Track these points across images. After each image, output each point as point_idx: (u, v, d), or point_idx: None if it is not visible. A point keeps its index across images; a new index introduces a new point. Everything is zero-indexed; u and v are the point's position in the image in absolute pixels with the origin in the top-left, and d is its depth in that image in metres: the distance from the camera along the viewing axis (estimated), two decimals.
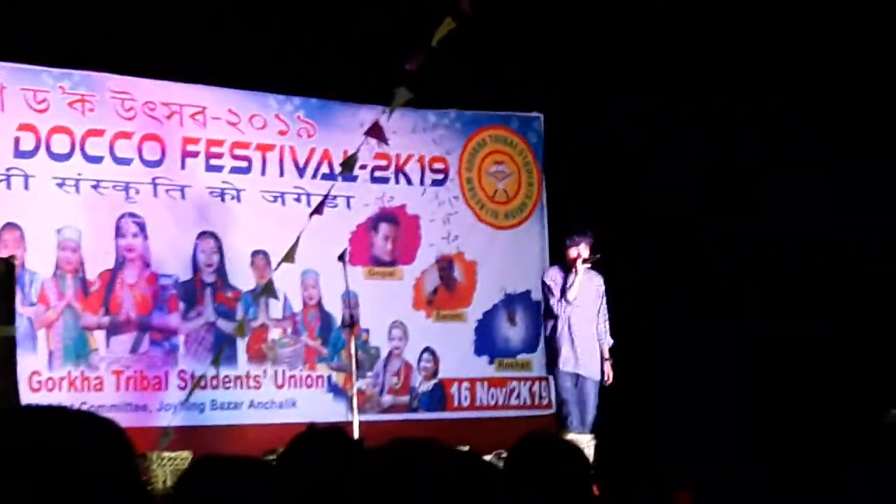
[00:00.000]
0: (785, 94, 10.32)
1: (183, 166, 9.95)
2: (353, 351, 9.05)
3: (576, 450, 3.44)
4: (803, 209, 10.42)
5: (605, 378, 9.78)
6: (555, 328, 9.87)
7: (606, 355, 9.85)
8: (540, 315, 11.01)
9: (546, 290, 9.94)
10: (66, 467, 1.93)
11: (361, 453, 3.58)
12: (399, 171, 10.87)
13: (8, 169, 9.24)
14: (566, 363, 9.79)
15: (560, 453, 3.35)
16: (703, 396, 10.67)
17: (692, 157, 10.72)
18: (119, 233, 9.68)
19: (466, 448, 3.34)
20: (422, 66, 7.34)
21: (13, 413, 2.05)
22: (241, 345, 10.00)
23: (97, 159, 9.59)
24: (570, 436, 8.89)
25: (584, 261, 9.72)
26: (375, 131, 7.80)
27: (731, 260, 10.75)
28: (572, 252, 9.78)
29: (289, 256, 8.03)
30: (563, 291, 9.77)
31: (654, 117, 10.89)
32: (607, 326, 9.93)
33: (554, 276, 9.89)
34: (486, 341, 11.11)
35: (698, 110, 10.72)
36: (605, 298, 9.95)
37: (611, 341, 9.91)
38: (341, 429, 4.06)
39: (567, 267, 9.81)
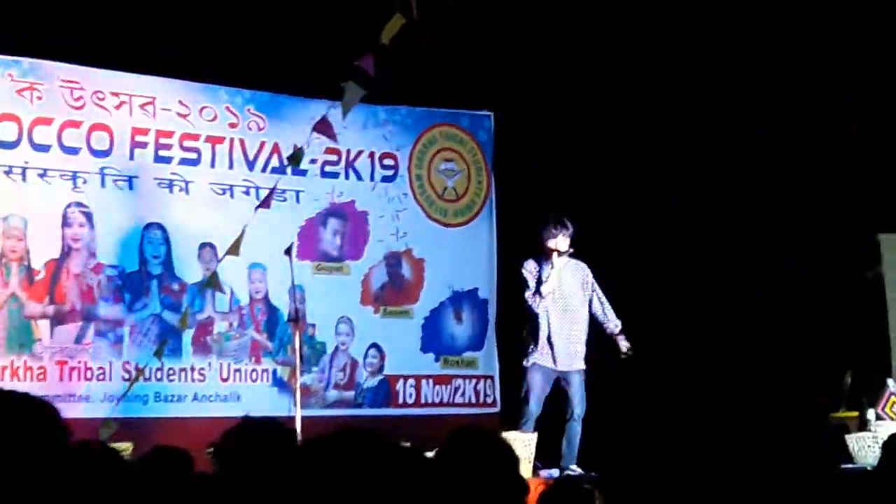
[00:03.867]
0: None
1: (131, 157, 9.90)
2: (298, 345, 9.05)
3: (504, 445, 3.47)
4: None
5: (627, 350, 9.81)
6: (533, 322, 9.87)
7: (617, 332, 9.87)
8: (487, 313, 11.07)
9: (522, 282, 9.95)
10: None
11: (295, 445, 3.59)
12: (349, 166, 10.86)
13: None
14: (541, 357, 9.80)
15: (487, 449, 3.37)
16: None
17: (642, 152, 10.78)
18: (65, 222, 9.62)
19: (408, 444, 3.37)
20: (374, 66, 7.37)
21: None
22: (187, 337, 9.97)
23: (45, 148, 9.53)
24: (513, 433, 8.92)
25: (561, 253, 9.73)
26: (323, 127, 7.82)
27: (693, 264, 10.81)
28: (549, 244, 9.79)
29: (234, 249, 8.05)
30: (538, 284, 9.78)
31: (604, 116, 10.95)
32: (607, 310, 9.94)
33: (531, 269, 9.89)
34: (433, 338, 11.13)
35: (651, 108, 10.78)
36: (595, 285, 9.94)
37: (618, 322, 9.91)
38: (276, 420, 4.07)
39: (545, 258, 9.83)
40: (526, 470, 8.43)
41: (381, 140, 11.02)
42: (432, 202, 11.24)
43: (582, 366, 9.88)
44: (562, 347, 9.80)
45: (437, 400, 11.10)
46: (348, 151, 10.80)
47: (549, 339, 9.79)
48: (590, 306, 9.97)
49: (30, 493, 2.02)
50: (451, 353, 11.18)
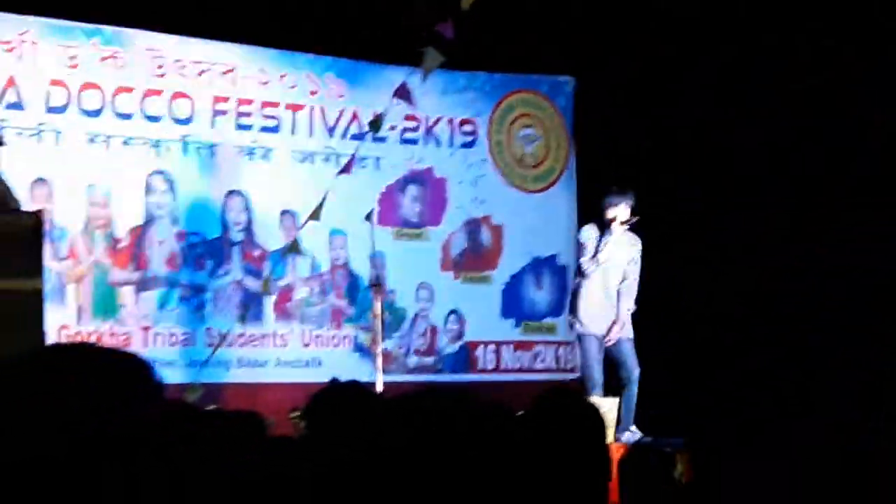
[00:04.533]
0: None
1: (212, 124, 9.97)
2: (378, 311, 9.08)
3: (593, 409, 3.46)
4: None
5: (607, 337, 9.79)
6: (581, 288, 9.90)
7: (622, 315, 9.84)
8: (566, 279, 11.03)
9: (580, 248, 9.97)
10: (89, 398, 1.97)
11: (383, 405, 3.61)
12: (428, 132, 10.87)
13: (39, 124, 9.28)
14: (592, 325, 9.82)
15: (576, 411, 3.37)
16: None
17: (718, 122, 10.67)
18: (148, 189, 9.72)
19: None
20: (456, 31, 7.35)
21: (40, 351, 2.09)
22: (269, 303, 10.04)
23: (127, 116, 9.62)
24: (595, 398, 8.93)
25: (623, 223, 9.73)
26: (403, 93, 7.82)
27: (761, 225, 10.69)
28: (610, 213, 9.79)
29: (315, 214, 8.08)
30: (597, 251, 9.78)
31: (683, 82, 10.84)
32: (633, 291, 9.94)
33: (589, 235, 9.90)
34: (513, 304, 11.13)
35: (726, 73, 10.66)
36: (639, 263, 9.94)
37: (633, 307, 9.90)
38: (361, 383, 4.09)
39: (603, 227, 9.82)
40: (609, 435, 8.42)
41: (461, 106, 11.01)
42: (511, 168, 11.22)
43: (631, 334, 9.87)
44: (615, 316, 9.80)
45: (517, 366, 11.11)
46: (427, 118, 10.80)
47: (602, 305, 9.79)
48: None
49: (122, 446, 2.05)
50: (532, 319, 11.18)
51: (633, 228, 9.87)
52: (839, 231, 10.12)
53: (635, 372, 9.81)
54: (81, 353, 2.13)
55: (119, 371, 2.11)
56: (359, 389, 4.05)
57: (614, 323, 9.83)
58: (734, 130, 10.63)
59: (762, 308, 10.50)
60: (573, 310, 10.05)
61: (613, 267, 9.86)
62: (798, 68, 10.28)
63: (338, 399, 3.95)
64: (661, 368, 10.10)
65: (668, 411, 9.60)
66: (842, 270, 10.07)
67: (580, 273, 10.00)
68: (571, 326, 10.20)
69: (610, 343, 9.82)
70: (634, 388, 9.77)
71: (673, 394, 10.06)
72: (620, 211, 9.77)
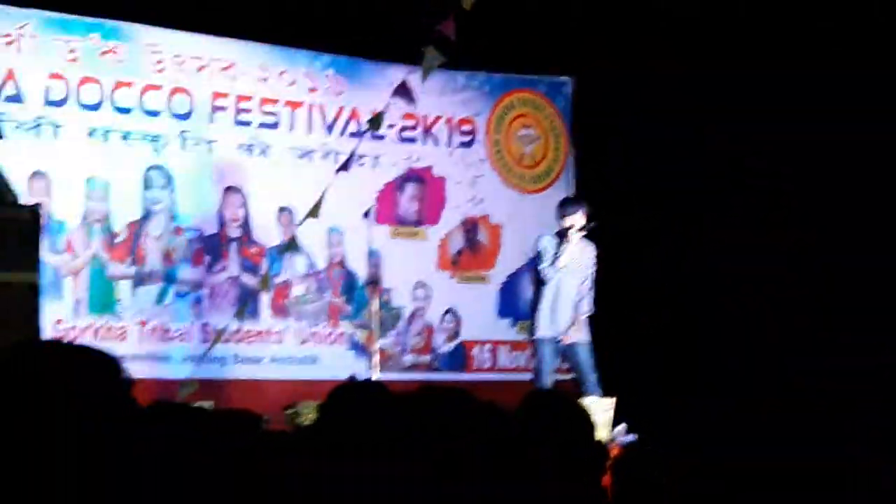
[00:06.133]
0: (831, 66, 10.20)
1: (211, 120, 9.98)
2: (375, 309, 9.08)
3: (579, 409, 3.46)
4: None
5: (564, 336, 9.72)
6: (539, 294, 9.85)
7: (582, 316, 9.78)
8: None
9: (538, 256, 9.93)
10: (52, 394, 1.97)
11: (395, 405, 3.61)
12: (427, 131, 10.88)
13: (38, 117, 9.28)
14: (547, 330, 9.75)
15: (562, 412, 3.37)
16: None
17: (719, 128, 10.66)
18: (146, 184, 9.72)
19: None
20: (456, 31, 7.36)
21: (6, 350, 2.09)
22: (265, 300, 10.04)
23: (126, 110, 9.62)
24: (593, 399, 8.91)
25: (580, 229, 9.72)
26: (403, 92, 7.84)
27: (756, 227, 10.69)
28: (567, 221, 9.77)
29: (314, 212, 8.10)
30: (555, 258, 9.76)
31: (685, 85, 10.82)
32: (591, 295, 9.87)
33: (546, 244, 9.86)
34: (509, 304, 11.13)
35: (728, 79, 10.65)
36: (594, 268, 9.91)
37: (591, 310, 9.85)
38: (380, 382, 4.08)
39: (560, 234, 9.80)
40: (604, 435, 8.42)
41: (460, 106, 11.02)
42: (510, 168, 11.23)
43: (588, 338, 9.81)
44: (575, 319, 9.75)
45: (513, 365, 11.11)
46: (426, 117, 10.81)
47: (557, 311, 9.73)
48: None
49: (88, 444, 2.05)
50: (528, 319, 11.15)
51: (590, 236, 9.85)
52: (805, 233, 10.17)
53: (591, 377, 9.74)
54: (49, 351, 2.13)
55: (87, 368, 2.10)
56: (377, 388, 4.05)
57: (572, 324, 9.79)
58: (733, 131, 10.62)
59: (741, 309, 10.52)
60: (537, 314, 9.94)
61: (571, 273, 9.81)
62: (798, 72, 10.28)
63: (356, 396, 3.94)
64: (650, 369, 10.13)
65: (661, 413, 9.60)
66: (806, 273, 10.10)
67: (539, 280, 9.93)
68: (531, 332, 10.06)
69: (566, 342, 9.75)
70: (593, 392, 9.67)
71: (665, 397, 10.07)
72: (577, 219, 9.76)
